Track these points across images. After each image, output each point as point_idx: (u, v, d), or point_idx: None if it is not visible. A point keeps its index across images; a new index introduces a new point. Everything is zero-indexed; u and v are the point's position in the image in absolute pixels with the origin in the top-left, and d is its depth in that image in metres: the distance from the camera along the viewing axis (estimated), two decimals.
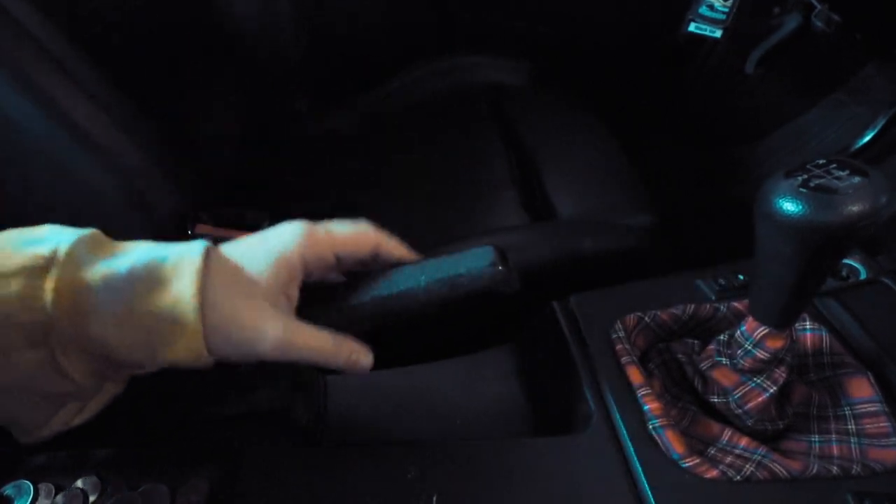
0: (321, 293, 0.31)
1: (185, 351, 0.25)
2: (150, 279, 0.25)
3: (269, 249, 0.28)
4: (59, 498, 0.33)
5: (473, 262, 0.30)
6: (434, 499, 0.31)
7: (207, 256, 0.26)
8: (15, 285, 0.23)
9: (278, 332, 0.27)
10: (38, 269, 0.23)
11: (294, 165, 0.82)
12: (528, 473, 0.33)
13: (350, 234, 0.31)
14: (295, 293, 0.29)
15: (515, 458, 0.33)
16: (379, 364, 0.44)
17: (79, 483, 0.33)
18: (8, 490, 0.33)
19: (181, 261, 0.26)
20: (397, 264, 0.32)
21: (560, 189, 0.68)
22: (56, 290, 0.23)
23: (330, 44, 0.89)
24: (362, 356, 0.30)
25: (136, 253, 0.26)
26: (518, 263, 0.32)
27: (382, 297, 0.30)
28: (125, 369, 0.27)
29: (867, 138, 0.82)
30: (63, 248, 0.24)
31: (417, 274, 0.30)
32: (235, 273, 0.27)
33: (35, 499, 0.33)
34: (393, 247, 0.32)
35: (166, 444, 0.33)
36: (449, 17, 0.99)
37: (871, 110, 0.84)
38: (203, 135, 0.64)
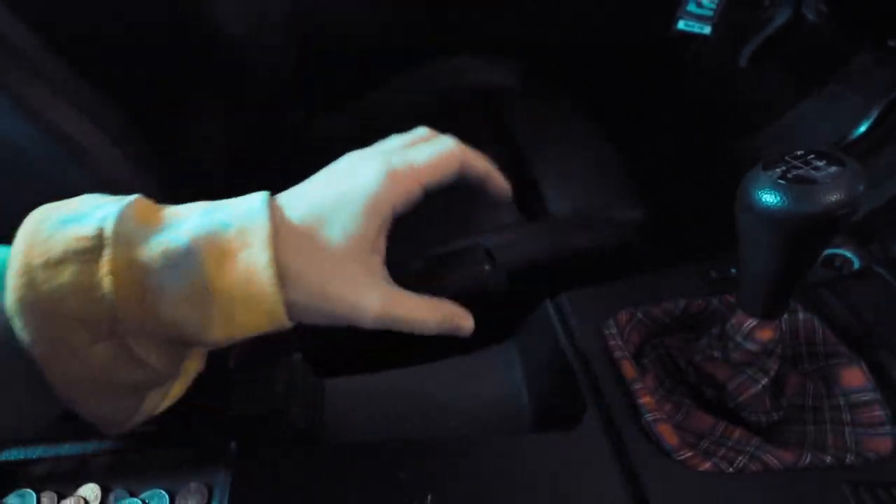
0: None
1: (266, 323, 0.23)
2: (214, 251, 0.22)
3: (350, 198, 0.24)
4: None
5: (461, 261, 0.30)
6: (428, 498, 0.31)
7: (274, 217, 0.23)
8: (67, 274, 0.20)
9: (377, 305, 0.24)
10: (88, 253, 0.20)
11: (288, 173, 0.83)
12: (522, 470, 0.33)
13: (434, 159, 0.27)
14: (384, 245, 0.26)
15: (509, 454, 0.34)
16: (373, 365, 0.45)
17: (80, 491, 0.34)
18: (11, 499, 0.34)
19: (246, 227, 0.23)
20: (482, 181, 0.29)
21: (552, 187, 0.68)
22: (113, 274, 0.20)
23: (322, 53, 0.90)
24: (464, 322, 0.28)
25: (191, 221, 0.23)
26: (510, 261, 0.32)
27: None
28: (202, 347, 0.25)
29: (863, 128, 0.82)
30: (109, 225, 0.21)
31: (404, 274, 0.30)
32: (312, 236, 0.24)
33: None
34: (476, 160, 0.29)
35: (164, 449, 0.34)
36: (442, 19, 0.99)
37: (865, 100, 0.83)
38: (198, 149, 0.64)
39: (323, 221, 0.24)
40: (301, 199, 0.25)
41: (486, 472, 0.33)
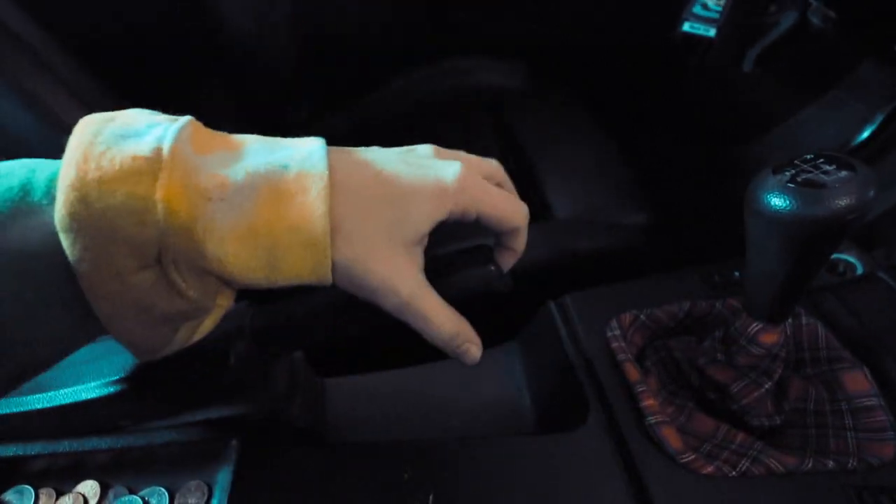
0: (311, 298, 0.31)
1: (309, 273, 0.23)
2: (271, 192, 0.22)
3: (425, 186, 0.24)
4: (60, 502, 0.33)
5: (466, 261, 0.30)
6: (430, 498, 0.31)
7: (335, 169, 0.23)
8: (121, 194, 0.19)
9: (406, 291, 0.24)
10: (144, 175, 0.20)
11: None
12: (525, 471, 0.33)
13: (505, 205, 0.27)
14: (426, 242, 0.26)
15: (512, 455, 0.34)
16: (375, 365, 0.44)
17: (79, 487, 0.33)
18: (9, 495, 0.33)
19: (305, 172, 0.22)
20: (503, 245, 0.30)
21: (556, 189, 0.68)
22: (167, 201, 0.20)
23: (325, 52, 0.89)
24: (474, 348, 0.28)
25: (251, 156, 0.22)
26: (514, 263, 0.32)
27: None
28: (241, 287, 0.24)
29: (865, 134, 0.82)
30: (166, 146, 0.20)
31: None
32: (378, 204, 0.24)
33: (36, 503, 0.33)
34: (521, 238, 0.29)
35: (164, 447, 0.33)
36: (445, 19, 0.99)
37: (869, 106, 0.83)
38: None
39: (392, 195, 0.24)
40: (379, 163, 0.25)
41: (489, 473, 0.33)
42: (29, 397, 0.31)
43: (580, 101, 0.85)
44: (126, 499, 0.33)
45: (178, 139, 0.21)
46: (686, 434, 0.36)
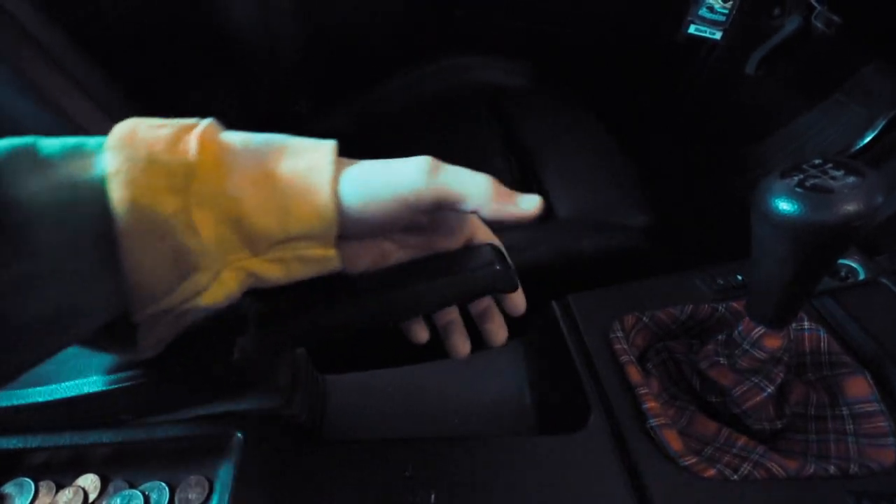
0: (315, 294, 0.31)
1: (316, 218, 0.26)
2: (285, 149, 0.27)
3: (406, 161, 0.28)
4: (60, 496, 0.33)
5: (471, 261, 0.30)
6: (432, 496, 0.31)
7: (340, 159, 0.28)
8: (164, 132, 0.25)
9: (426, 164, 0.27)
10: (185, 127, 0.26)
11: None
12: (526, 471, 0.33)
13: (471, 179, 0.29)
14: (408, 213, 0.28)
15: (513, 455, 0.34)
16: (377, 362, 0.44)
17: (79, 481, 0.33)
18: (9, 488, 0.33)
19: (316, 141, 0.28)
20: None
21: (559, 189, 0.68)
22: (200, 142, 0.25)
23: (330, 44, 0.89)
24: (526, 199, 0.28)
25: (269, 134, 0.28)
26: (517, 263, 0.32)
27: (379, 296, 0.30)
28: (251, 243, 0.27)
29: (867, 139, 0.82)
30: (205, 121, 0.26)
31: (415, 273, 0.30)
32: (372, 169, 0.28)
33: (36, 497, 0.33)
34: (484, 232, 0.32)
35: (166, 441, 0.33)
36: (448, 16, 0.99)
37: (870, 111, 0.84)
38: None
39: (387, 167, 0.28)
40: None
41: (490, 473, 0.33)
42: (30, 390, 0.31)
43: (583, 101, 0.85)
44: (126, 493, 0.33)
45: (212, 122, 0.27)
46: (687, 437, 0.36)
